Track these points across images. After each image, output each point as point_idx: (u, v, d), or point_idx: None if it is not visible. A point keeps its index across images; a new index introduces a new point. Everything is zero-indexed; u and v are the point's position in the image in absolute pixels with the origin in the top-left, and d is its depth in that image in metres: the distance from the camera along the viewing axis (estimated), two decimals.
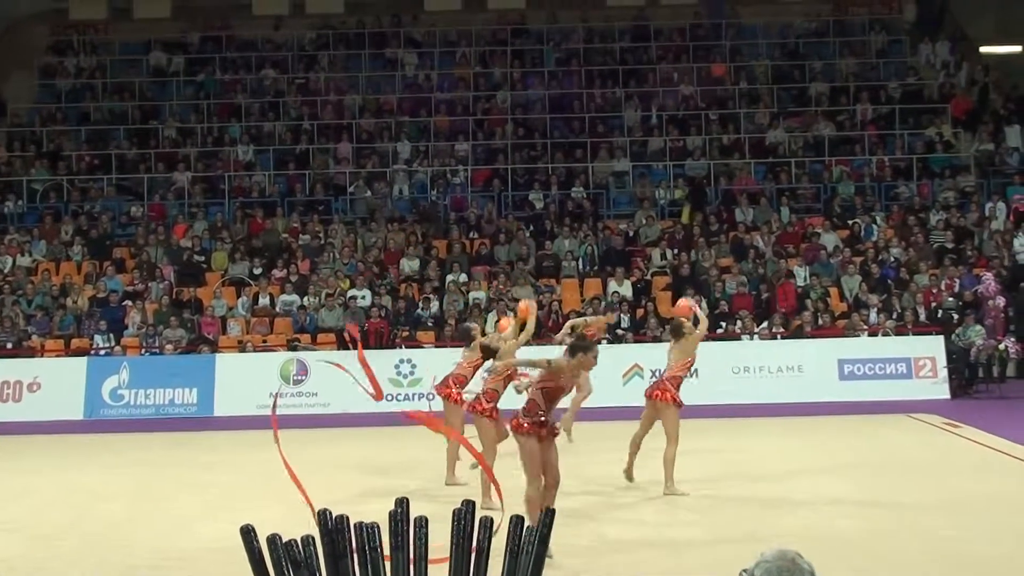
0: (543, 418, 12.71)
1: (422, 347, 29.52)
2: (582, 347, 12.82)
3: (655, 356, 28.39)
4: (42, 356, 30.01)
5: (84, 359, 29.45)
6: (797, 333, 29.10)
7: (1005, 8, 41.41)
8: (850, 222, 34.18)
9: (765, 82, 39.46)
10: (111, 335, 30.44)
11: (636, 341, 29.61)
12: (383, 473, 18.57)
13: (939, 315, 29.81)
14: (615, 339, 29.54)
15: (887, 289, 30.91)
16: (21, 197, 36.56)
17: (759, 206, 34.91)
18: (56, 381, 28.56)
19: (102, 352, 29.99)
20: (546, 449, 12.75)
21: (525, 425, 12.68)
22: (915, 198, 35.18)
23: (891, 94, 38.58)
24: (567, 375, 12.69)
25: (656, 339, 29.36)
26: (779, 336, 29.17)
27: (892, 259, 32.27)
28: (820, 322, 29.61)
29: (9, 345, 30.22)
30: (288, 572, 6.09)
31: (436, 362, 28.91)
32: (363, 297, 31.49)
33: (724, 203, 35.52)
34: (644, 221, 34.58)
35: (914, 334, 29.03)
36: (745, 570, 4.82)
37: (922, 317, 29.93)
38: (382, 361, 27.61)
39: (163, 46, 41.55)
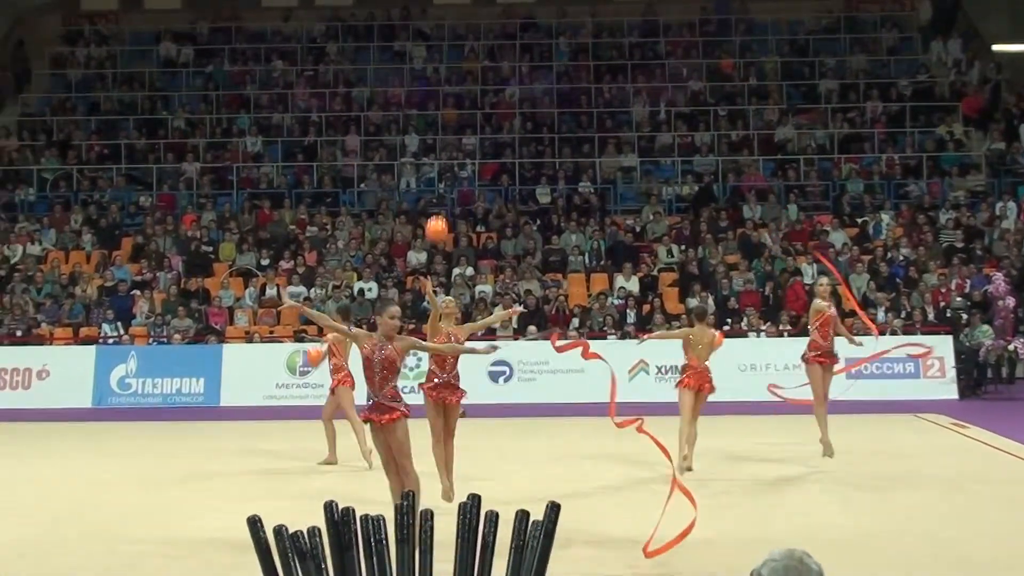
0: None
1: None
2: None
3: (661, 352, 28.48)
4: (51, 344, 30.07)
5: (93, 347, 29.52)
6: (805, 331, 29.02)
7: (1018, 6, 41.20)
8: (859, 220, 34.14)
9: (775, 78, 39.39)
10: (119, 324, 30.50)
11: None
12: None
13: (948, 315, 29.77)
14: (622, 335, 29.54)
15: (896, 288, 30.87)
16: (31, 186, 36.64)
17: (767, 203, 34.89)
18: (65, 369, 28.64)
19: (110, 341, 30.04)
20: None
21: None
22: (925, 197, 35.11)
23: (902, 92, 38.48)
24: (365, 340, 12.77)
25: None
26: (786, 334, 29.13)
27: (901, 258, 32.20)
28: None
29: (19, 333, 30.29)
30: (294, 563, 6.11)
31: None
32: (370, 289, 31.52)
33: (732, 200, 35.50)
34: (651, 217, 34.56)
35: (922, 333, 28.95)
36: (753, 570, 4.82)
37: (931, 317, 29.90)
38: None
39: (173, 37, 41.56)
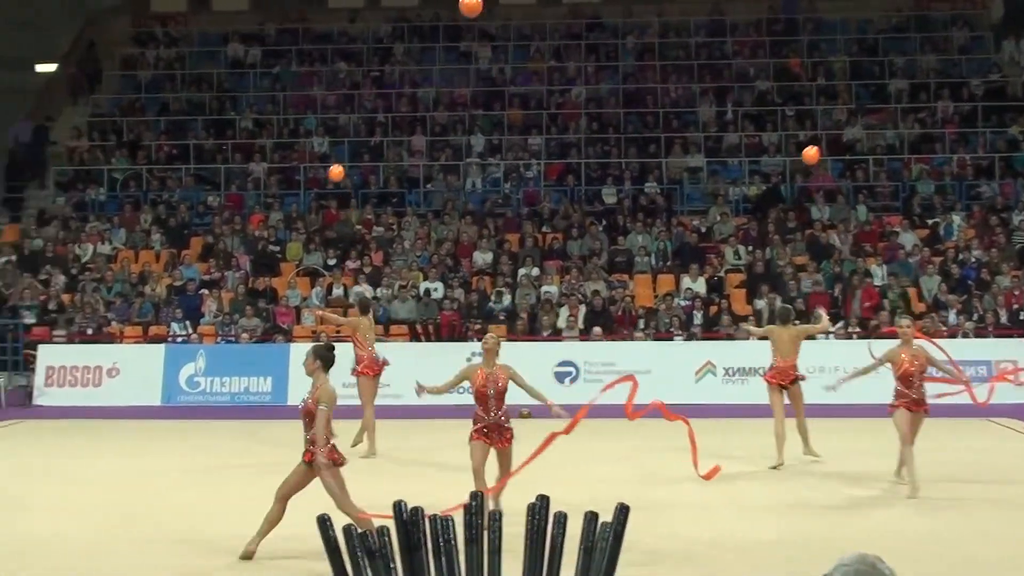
0: None
1: None
2: None
3: (728, 353, 28.41)
4: (121, 343, 30.32)
5: (162, 346, 29.75)
6: (874, 333, 28.84)
7: None
8: (929, 221, 33.87)
9: (843, 78, 39.15)
10: (188, 323, 30.71)
11: (708, 338, 29.48)
12: (454, 466, 18.58)
13: (1021, 318, 29.48)
14: (688, 336, 29.47)
15: (967, 290, 30.55)
16: (102, 186, 36.93)
17: (836, 204, 34.69)
18: (134, 367, 28.89)
19: (179, 340, 30.25)
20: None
21: None
22: (997, 198, 34.75)
23: (973, 91, 38.13)
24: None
25: (730, 336, 29.26)
26: (854, 336, 28.94)
27: (973, 260, 31.90)
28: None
29: (89, 331, 30.58)
30: (363, 562, 6.13)
31: (508, 355, 28.90)
32: (436, 289, 31.58)
33: (800, 200, 35.32)
34: (718, 217, 34.44)
35: (995, 336, 28.69)
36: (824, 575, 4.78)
37: (1003, 319, 29.60)
38: (454, 353, 27.77)
39: (241, 38, 41.81)
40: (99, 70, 42.04)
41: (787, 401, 19.39)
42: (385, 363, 21.15)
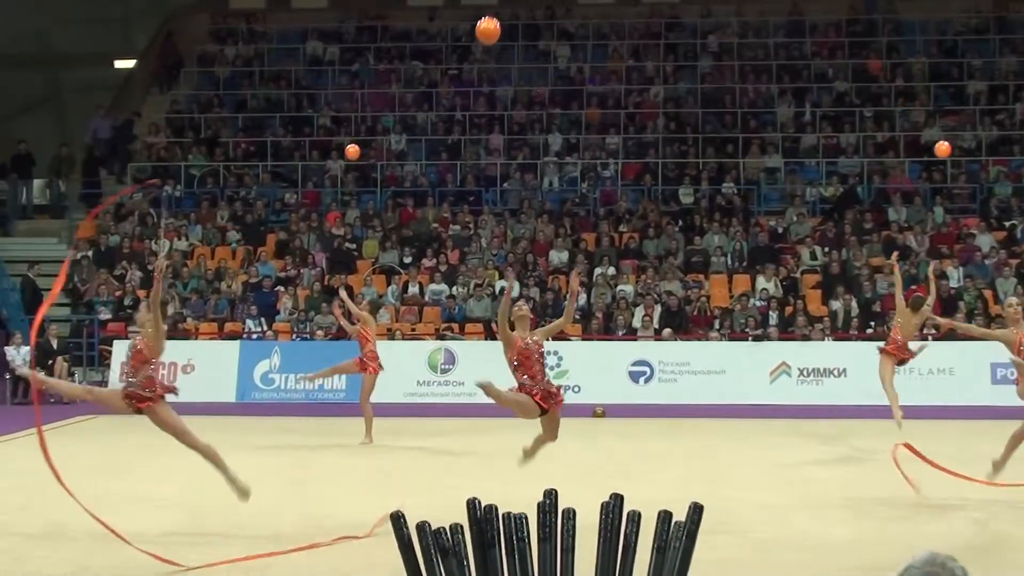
0: None
1: (569, 339, 29.54)
2: None
3: (803, 354, 28.30)
4: (196, 339, 30.52)
5: (237, 343, 29.92)
6: (949, 335, 28.62)
7: None
8: (1007, 224, 33.59)
9: (922, 79, 38.87)
10: (263, 320, 30.88)
11: (784, 339, 29.37)
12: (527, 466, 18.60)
13: None
14: (761, 336, 29.36)
15: None
16: (179, 182, 37.20)
17: (913, 205, 34.46)
18: (209, 364, 29.05)
19: (254, 336, 30.42)
20: None
21: None
22: None
23: None
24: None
25: (805, 337, 29.14)
26: (930, 337, 28.72)
27: None
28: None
29: (164, 327, 30.73)
30: (436, 559, 6.14)
31: (583, 354, 29.04)
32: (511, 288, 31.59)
33: (877, 202, 35.09)
34: (795, 218, 34.29)
35: None
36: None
37: None
38: None
39: (320, 35, 42.03)
40: (180, 65, 42.32)
41: None
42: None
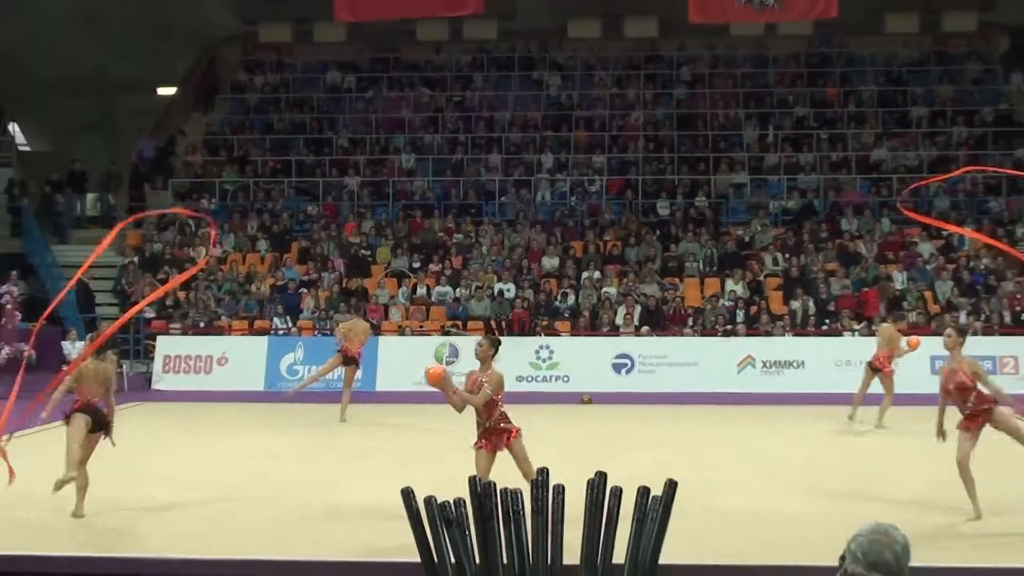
0: None
1: (559, 335, 29.62)
2: None
3: (766, 348, 28.38)
4: (229, 334, 30.50)
5: (265, 338, 29.88)
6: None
7: None
8: (944, 233, 33.62)
9: (871, 105, 38.88)
10: (288, 318, 30.85)
11: (750, 335, 29.40)
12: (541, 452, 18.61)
13: (1022, 318, 29.28)
14: (729, 332, 29.39)
15: (976, 294, 30.45)
16: (214, 196, 37.20)
17: (863, 217, 34.49)
18: (241, 356, 29.02)
19: (280, 332, 30.40)
20: None
21: None
22: (1004, 212, 34.49)
23: (984, 118, 37.82)
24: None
25: (768, 333, 29.22)
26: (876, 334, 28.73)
27: (982, 267, 31.73)
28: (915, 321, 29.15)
29: (202, 324, 30.80)
30: (441, 530, 6.16)
31: (572, 348, 29.07)
32: (508, 290, 31.64)
33: (831, 214, 35.12)
34: (759, 228, 34.30)
35: (1000, 335, 28.52)
36: (843, 555, 4.76)
37: (1007, 320, 29.45)
38: (524, 347, 27.86)
39: (338, 66, 41.98)
40: (215, 91, 42.36)
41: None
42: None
